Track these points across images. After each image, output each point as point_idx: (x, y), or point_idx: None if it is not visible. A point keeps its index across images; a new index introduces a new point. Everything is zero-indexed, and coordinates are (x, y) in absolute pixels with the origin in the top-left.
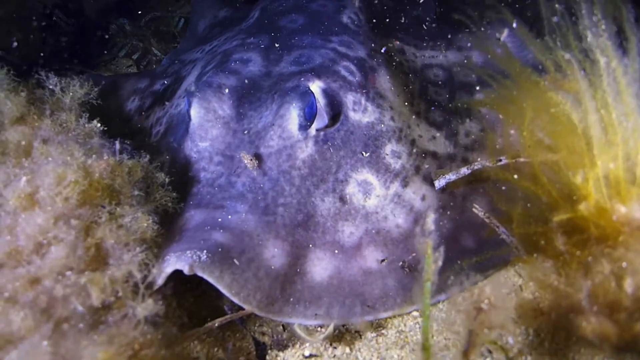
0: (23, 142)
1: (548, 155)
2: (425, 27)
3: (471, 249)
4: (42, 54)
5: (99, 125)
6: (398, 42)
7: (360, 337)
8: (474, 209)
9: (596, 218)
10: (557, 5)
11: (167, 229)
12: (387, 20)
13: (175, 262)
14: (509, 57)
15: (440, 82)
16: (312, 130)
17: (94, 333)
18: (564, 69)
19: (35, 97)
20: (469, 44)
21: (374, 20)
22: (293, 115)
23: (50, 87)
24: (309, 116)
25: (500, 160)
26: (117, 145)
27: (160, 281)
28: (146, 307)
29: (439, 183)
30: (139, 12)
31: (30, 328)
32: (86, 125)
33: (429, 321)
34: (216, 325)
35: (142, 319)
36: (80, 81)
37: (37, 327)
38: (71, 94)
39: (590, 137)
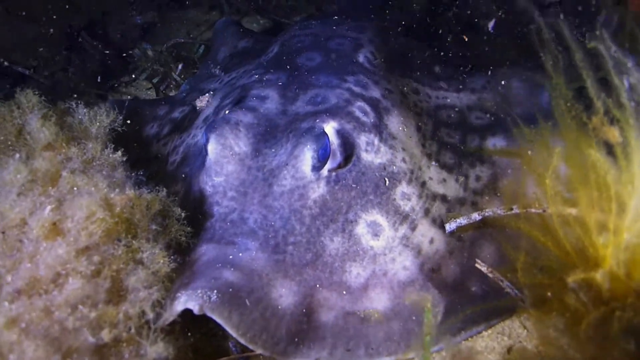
0: (51, 171)
1: (567, 208)
2: (439, 68)
3: (477, 296)
4: (67, 73)
5: (122, 155)
6: (413, 82)
7: None
8: (476, 265)
9: (608, 283)
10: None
11: (180, 262)
12: (403, 59)
13: (186, 301)
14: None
15: (452, 124)
16: (325, 171)
17: None
18: (614, 115)
19: (65, 123)
20: (481, 86)
21: (390, 60)
22: (307, 157)
23: (80, 117)
24: (322, 157)
25: (512, 209)
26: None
27: (170, 318)
28: (157, 350)
29: (450, 227)
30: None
31: (41, 359)
32: (110, 155)
33: None
34: None
35: (152, 359)
36: (107, 110)
37: (48, 358)
38: (98, 123)
39: (624, 204)
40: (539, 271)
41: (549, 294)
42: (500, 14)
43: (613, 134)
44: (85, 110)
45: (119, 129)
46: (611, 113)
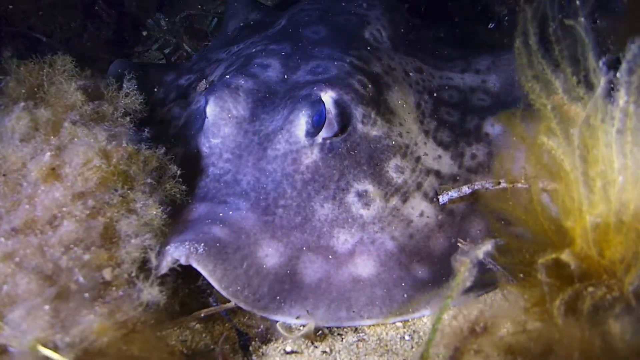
0: (54, 120)
1: (548, 184)
2: (446, 48)
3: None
4: (81, 40)
5: (129, 121)
6: (417, 61)
7: (342, 340)
8: (458, 243)
9: (580, 262)
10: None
11: (173, 218)
12: (409, 38)
13: (174, 251)
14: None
15: (453, 103)
16: (319, 138)
17: (97, 304)
18: (576, 92)
19: (94, 86)
20: (486, 68)
21: (396, 38)
22: (301, 122)
23: (124, 86)
24: (316, 123)
25: (500, 183)
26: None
27: (163, 269)
28: (151, 293)
29: (442, 199)
30: (175, 9)
31: (33, 292)
32: (119, 119)
33: (435, 335)
34: (202, 315)
35: (145, 302)
36: (143, 100)
37: (40, 291)
38: (129, 101)
39: (591, 185)
40: (519, 250)
41: (522, 274)
42: (512, 1)
43: (575, 112)
44: (135, 86)
45: (139, 115)
46: (574, 92)
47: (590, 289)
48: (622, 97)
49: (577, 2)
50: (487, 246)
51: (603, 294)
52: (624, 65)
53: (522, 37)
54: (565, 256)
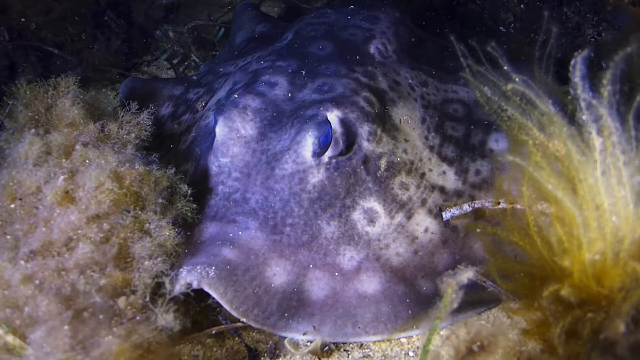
0: (65, 144)
1: (545, 208)
2: (451, 61)
3: (467, 285)
4: (92, 50)
5: (134, 138)
6: (423, 75)
7: (348, 356)
8: (458, 268)
9: (578, 292)
10: None
11: (185, 238)
12: (415, 52)
13: (186, 275)
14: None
15: (458, 118)
16: (325, 158)
17: (114, 325)
18: (550, 129)
19: (94, 101)
20: None
21: (401, 52)
22: (308, 143)
23: (142, 116)
24: (323, 144)
25: (499, 203)
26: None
27: (176, 292)
28: (166, 319)
29: (445, 215)
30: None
31: (53, 313)
32: (124, 136)
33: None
34: (213, 332)
35: (160, 326)
36: (150, 133)
37: (60, 313)
38: (136, 129)
39: (586, 220)
40: (517, 272)
41: (525, 295)
42: (518, 9)
43: (557, 148)
44: (147, 122)
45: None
46: (548, 129)
47: (590, 314)
48: (596, 140)
49: (505, 67)
50: (469, 273)
51: (602, 320)
52: (582, 104)
53: (480, 93)
54: (565, 291)
